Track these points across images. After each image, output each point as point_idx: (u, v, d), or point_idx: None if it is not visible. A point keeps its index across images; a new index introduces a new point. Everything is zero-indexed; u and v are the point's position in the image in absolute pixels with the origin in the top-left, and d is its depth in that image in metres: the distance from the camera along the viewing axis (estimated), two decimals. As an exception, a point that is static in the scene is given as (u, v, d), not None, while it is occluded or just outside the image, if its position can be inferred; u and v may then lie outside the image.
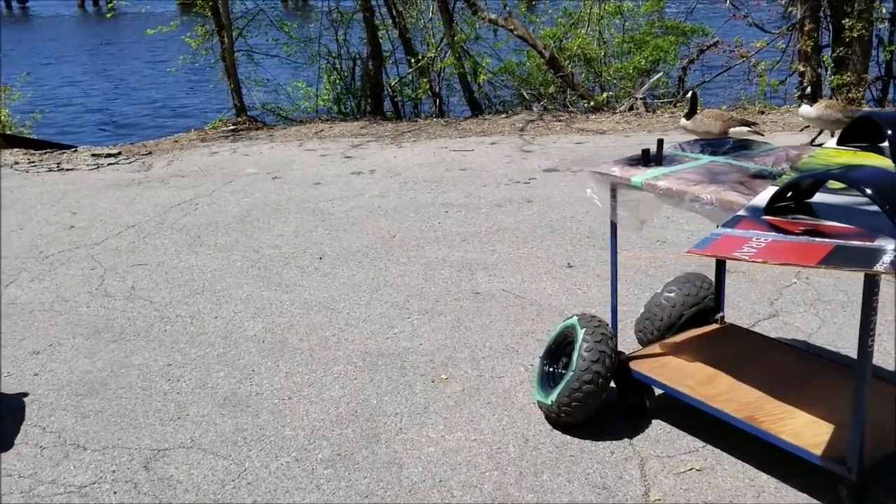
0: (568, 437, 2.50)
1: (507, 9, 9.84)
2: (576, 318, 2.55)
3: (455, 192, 5.39)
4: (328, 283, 3.92)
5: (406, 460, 2.45)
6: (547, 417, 2.57)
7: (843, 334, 3.09)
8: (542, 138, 7.23)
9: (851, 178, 1.73)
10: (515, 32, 9.58)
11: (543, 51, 9.39)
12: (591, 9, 9.80)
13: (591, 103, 8.95)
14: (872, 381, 2.39)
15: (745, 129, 5.84)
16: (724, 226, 1.78)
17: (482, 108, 9.89)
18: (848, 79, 8.29)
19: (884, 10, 8.60)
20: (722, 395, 2.36)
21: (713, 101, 9.01)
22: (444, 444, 2.52)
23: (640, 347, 2.80)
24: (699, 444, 2.44)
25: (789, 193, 1.89)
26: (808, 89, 6.40)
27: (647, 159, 2.39)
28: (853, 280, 3.54)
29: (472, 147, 6.96)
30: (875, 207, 1.84)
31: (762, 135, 6.20)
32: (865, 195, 1.68)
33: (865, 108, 6.54)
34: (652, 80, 9.32)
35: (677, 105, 8.83)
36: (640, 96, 8.87)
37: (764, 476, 2.27)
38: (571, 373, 2.43)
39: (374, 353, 3.16)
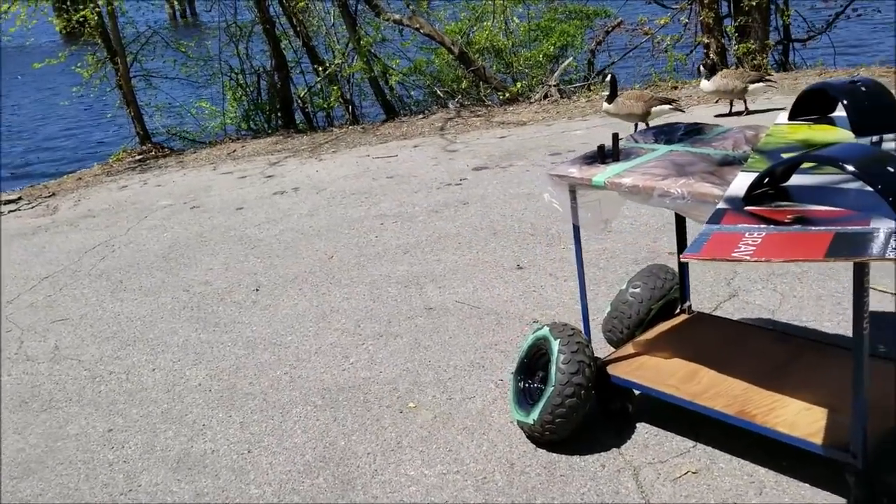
0: (554, 455, 2.37)
1: (411, 7, 9.68)
2: (547, 328, 2.42)
3: (387, 203, 5.21)
4: (269, 316, 3.70)
5: (388, 505, 2.28)
6: (529, 437, 2.44)
7: (806, 307, 3.06)
8: (465, 136, 7.11)
9: (834, 158, 1.64)
10: (422, 31, 9.44)
11: (452, 47, 9.28)
12: (494, 0, 9.74)
13: (507, 95, 8.89)
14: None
15: (667, 106, 5.85)
16: (709, 222, 1.67)
17: (397, 111, 9.71)
18: (752, 46, 8.46)
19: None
20: (708, 392, 2.27)
21: (625, 81, 9.05)
22: (425, 481, 2.35)
23: (611, 348, 2.70)
24: (689, 443, 2.35)
25: (766, 179, 1.80)
26: (707, 62, 6.47)
27: (603, 156, 2.28)
28: (803, 250, 3.53)
29: (395, 152, 6.78)
30: (854, 185, 1.76)
31: (683, 111, 6.24)
32: (854, 175, 1.60)
33: (762, 73, 6.65)
34: (563, 66, 9.32)
35: (591, 88, 8.86)
36: (554, 83, 8.86)
37: (762, 470, 2.19)
38: (552, 388, 2.29)
39: (332, 388, 2.96)
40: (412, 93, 10.40)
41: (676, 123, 2.53)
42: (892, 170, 1.56)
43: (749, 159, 2.04)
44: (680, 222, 2.66)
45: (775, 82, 6.61)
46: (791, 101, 2.40)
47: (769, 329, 2.73)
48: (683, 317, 2.73)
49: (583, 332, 2.45)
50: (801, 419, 2.09)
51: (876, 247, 1.41)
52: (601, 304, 3.30)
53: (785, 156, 2.01)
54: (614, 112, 5.82)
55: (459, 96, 9.45)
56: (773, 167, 1.76)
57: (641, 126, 5.93)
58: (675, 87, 7.94)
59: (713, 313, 3.01)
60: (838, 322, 2.91)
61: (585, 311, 2.51)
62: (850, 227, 1.51)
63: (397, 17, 9.53)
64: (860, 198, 1.68)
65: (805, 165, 1.89)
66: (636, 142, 2.43)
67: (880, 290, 3.09)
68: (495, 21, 9.93)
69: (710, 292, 3.28)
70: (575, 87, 9.01)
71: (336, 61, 9.50)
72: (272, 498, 2.37)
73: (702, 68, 6.38)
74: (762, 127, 2.36)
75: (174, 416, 2.92)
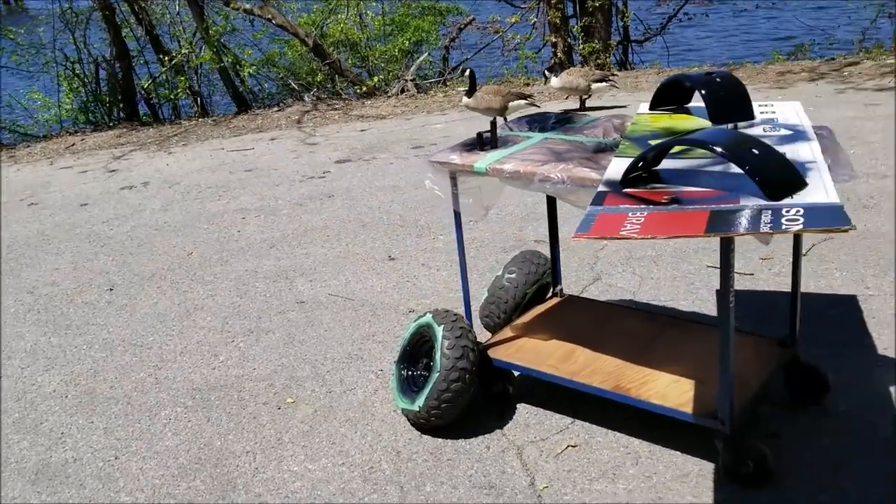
0: (440, 440, 2.39)
1: (260, -4, 9.42)
2: (430, 315, 2.43)
3: (248, 196, 5.05)
4: (127, 316, 3.49)
5: (274, 502, 2.20)
6: (414, 424, 2.44)
7: (663, 287, 3.25)
8: (324, 129, 7.01)
9: (705, 141, 1.75)
10: (274, 21, 9.21)
11: (306, 39, 9.12)
12: (348, -8, 9.66)
13: (364, 89, 8.84)
14: (718, 333, 2.52)
15: (523, 101, 6.02)
16: (593, 204, 1.73)
17: (249, 104, 9.43)
18: (596, 46, 8.87)
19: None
20: (585, 370, 2.36)
21: (479, 78, 9.22)
22: (310, 475, 2.30)
23: (488, 333, 2.75)
24: (568, 420, 2.43)
25: (640, 164, 1.89)
26: (553, 63, 6.73)
27: (482, 143, 2.31)
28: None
29: (251, 145, 6.59)
30: (718, 167, 1.89)
31: (538, 106, 6.45)
32: (723, 157, 1.71)
33: (606, 73, 6.98)
34: (418, 61, 9.40)
35: (447, 84, 8.98)
36: (410, 78, 8.91)
37: (637, 442, 2.30)
38: (437, 373, 2.31)
39: (202, 388, 2.83)
40: (265, 85, 10.13)
41: (547, 113, 2.61)
42: (757, 152, 1.68)
43: (620, 146, 2.13)
44: (552, 209, 2.74)
45: (617, 83, 6.95)
46: (632, 98, 2.54)
47: (635, 309, 2.88)
48: (556, 300, 2.82)
49: (465, 317, 2.48)
50: (671, 391, 2.22)
51: (751, 222, 1.51)
52: (475, 291, 3.36)
53: (652, 142, 2.12)
54: (473, 106, 5.93)
55: (315, 89, 9.30)
56: (647, 152, 1.85)
57: (500, 120, 6.08)
58: (528, 84, 8.19)
59: (581, 296, 3.13)
60: (692, 301, 3.11)
61: (467, 297, 2.54)
62: (722, 206, 1.62)
63: (247, 6, 9.24)
64: (726, 179, 1.80)
65: (674, 150, 2.00)
66: (511, 130, 2.48)
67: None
68: (349, 14, 9.86)
69: (576, 276, 3.41)
70: (431, 83, 9.11)
71: (183, 51, 9.09)
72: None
73: (546, 72, 6.61)
74: (627, 116, 2.48)
75: (28, 425, 2.69)
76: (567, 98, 7.04)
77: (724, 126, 2.14)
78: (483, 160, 2.20)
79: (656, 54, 10.30)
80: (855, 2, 9.83)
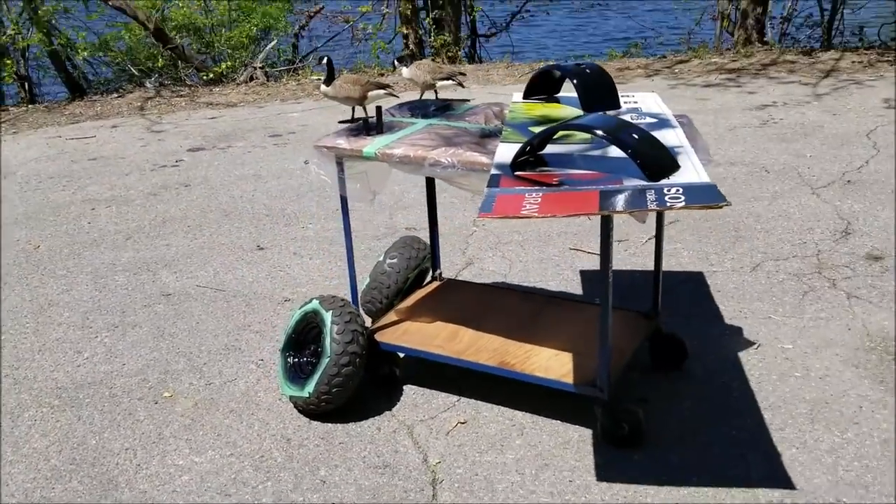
0: (330, 425, 2.40)
1: (96, -25, 8.85)
2: (316, 301, 2.43)
3: (96, 186, 4.77)
4: (-29, 315, 3.22)
5: (161, 498, 2.13)
6: (303, 411, 2.43)
7: (531, 270, 3.40)
8: (171, 116, 6.72)
9: (590, 127, 1.87)
10: (111, 3, 8.68)
11: (146, 22, 8.67)
12: (190, -24, 9.26)
13: (210, 76, 8.53)
14: (590, 308, 2.69)
15: (382, 91, 6.04)
16: (489, 186, 1.81)
17: (84, 90, 8.86)
18: (447, 39, 9.05)
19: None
20: (470, 349, 2.45)
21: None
22: (198, 468, 2.24)
23: (371, 318, 2.79)
24: (454, 398, 2.51)
25: (528, 148, 1.99)
26: (404, 52, 6.79)
27: (368, 128, 2.34)
28: (523, 222, 3.91)
29: (91, 133, 6.21)
30: (597, 152, 2.03)
31: (397, 96, 6.48)
32: (607, 141, 1.84)
33: (454, 70, 7.15)
34: (267, 48, 9.18)
35: (299, 72, 8.84)
36: (259, 65, 8.69)
37: (520, 414, 2.42)
38: (327, 359, 2.31)
39: (68, 386, 2.68)
40: (101, 70, 9.54)
41: (426, 100, 2.66)
42: (636, 136, 1.82)
43: (503, 132, 2.23)
44: (431, 196, 2.81)
45: (464, 81, 7.06)
46: (485, 90, 2.65)
47: (511, 289, 3.00)
48: (436, 284, 2.90)
49: (352, 302, 2.50)
50: (553, 364, 2.35)
51: (638, 200, 1.64)
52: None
53: (532, 129, 2.24)
54: (332, 95, 5.86)
55: (156, 75, 8.87)
56: (534, 137, 1.95)
57: (359, 110, 6.08)
58: (382, 74, 8.23)
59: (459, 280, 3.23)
60: (559, 282, 3.29)
61: (353, 282, 2.55)
62: (609, 186, 1.74)
63: (80, -15, 8.66)
64: (606, 162, 1.93)
65: (555, 136, 2.12)
66: (393, 116, 2.52)
67: (586, 252, 3.54)
68: (192, -2, 9.46)
69: (449, 261, 3.50)
70: (280, 71, 8.93)
71: (8, 32, 8.38)
72: (18, 512, 2.10)
73: (396, 62, 6.64)
74: (504, 104, 2.58)
75: None
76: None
77: (600, 113, 2.28)
78: (372, 145, 2.22)
79: (502, 50, 10.63)
80: (679, 4, 10.61)
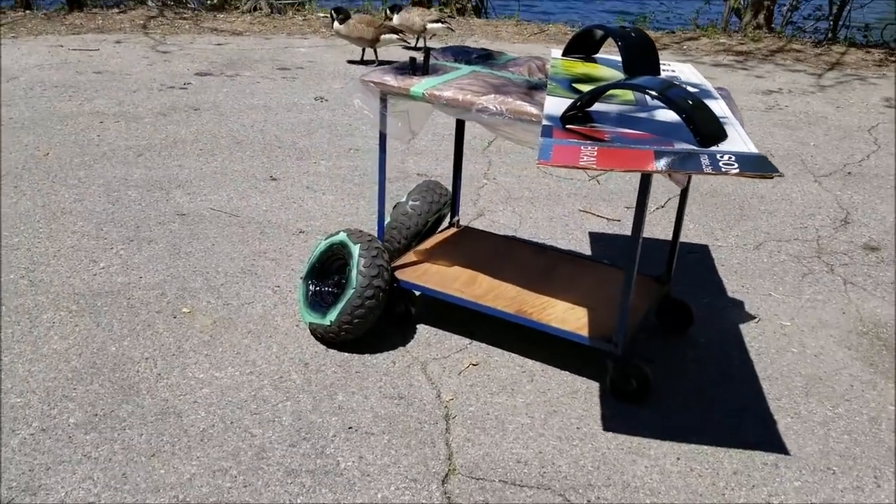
0: (346, 354, 2.46)
1: None
2: (344, 234, 2.47)
3: (103, 100, 4.72)
4: (-19, 214, 3.21)
5: (182, 407, 2.19)
6: (322, 339, 2.49)
7: (541, 227, 3.47)
8: (175, 38, 6.62)
9: (648, 87, 1.92)
10: (117, -86, 8.44)
11: (153, -62, 8.45)
12: None
13: (214, 1, 8.38)
14: (603, 267, 2.77)
15: (395, 36, 6.02)
16: (543, 136, 1.86)
17: (81, 2, 8.64)
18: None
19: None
20: (489, 294, 2.52)
21: (338, 2, 9.03)
22: (218, 382, 2.30)
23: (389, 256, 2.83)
24: (466, 341, 2.59)
25: (578, 103, 2.03)
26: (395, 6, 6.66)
27: (415, 68, 2.36)
28: (532, 179, 3.97)
29: (95, 46, 6.10)
30: (643, 114, 2.08)
31: (407, 42, 6.47)
32: (665, 104, 1.89)
33: (443, 14, 7.01)
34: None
35: (305, 7, 8.70)
36: (268, -3, 8.54)
37: (530, 362, 2.50)
38: (352, 290, 2.37)
39: (85, 293, 2.70)
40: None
41: (467, 47, 2.69)
42: (690, 102, 1.88)
43: (548, 85, 2.27)
44: (459, 143, 2.85)
45: (452, 25, 6.96)
46: (495, 46, 2.66)
47: (526, 242, 3.07)
48: (454, 230, 2.95)
49: (377, 238, 2.54)
50: (569, 316, 2.43)
51: (693, 163, 1.70)
52: (363, 217, 3.42)
53: (576, 85, 2.28)
54: (345, 34, 5.86)
55: (158, -6, 8.68)
56: (588, 93, 1.99)
57: (369, 51, 6.05)
58: (389, 19, 8.13)
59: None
60: (569, 241, 3.36)
61: (381, 218, 2.59)
62: (663, 147, 1.80)
63: None
64: (654, 124, 1.99)
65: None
66: (436, 59, 2.54)
67: (595, 215, 3.61)
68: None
69: (462, 211, 3.55)
70: (284, 4, 8.78)
71: (9, -69, 8.12)
72: (41, 406, 2.14)
73: (389, 10, 6.51)
74: (546, 58, 2.61)
75: None
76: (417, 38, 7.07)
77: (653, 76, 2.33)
78: (420, 85, 2.25)
79: (511, 9, 10.55)
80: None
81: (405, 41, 6.19)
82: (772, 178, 1.65)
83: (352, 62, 6.08)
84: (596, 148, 1.78)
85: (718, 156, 1.73)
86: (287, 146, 4.18)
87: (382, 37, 5.90)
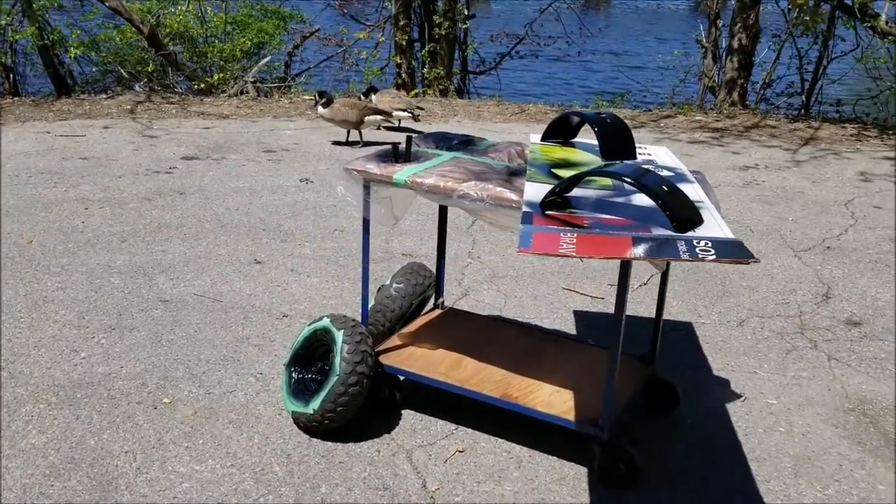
0: (330, 443, 2.42)
1: (96, -24, 8.85)
2: (327, 319, 2.47)
3: (88, 186, 4.75)
4: (-38, 304, 3.18)
5: (163, 503, 2.13)
6: (305, 427, 2.45)
7: (526, 306, 3.48)
8: (162, 122, 6.72)
9: (622, 174, 1.96)
10: (107, 3, 8.68)
11: (142, 26, 8.68)
12: (189, -15, 9.30)
13: (201, 85, 8.54)
14: (588, 347, 2.77)
15: (379, 117, 6.14)
16: (523, 223, 1.88)
17: (70, 88, 8.80)
18: (440, 72, 9.19)
19: (466, 11, 9.69)
20: (474, 378, 2.50)
21: (322, 86, 9.24)
22: (198, 476, 2.25)
23: (372, 340, 2.82)
24: (452, 427, 2.56)
25: (557, 189, 2.07)
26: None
27: (397, 156, 2.40)
28: (517, 258, 4.00)
29: (82, 132, 6.18)
30: (621, 199, 2.11)
31: (394, 123, 6.60)
32: (640, 190, 1.93)
33: (413, 102, 6.98)
34: (260, 64, 9.23)
35: (291, 90, 8.89)
36: (251, 80, 8.73)
37: (517, 447, 2.47)
38: (335, 377, 2.35)
39: (65, 384, 2.66)
40: (88, 69, 9.50)
41: (448, 133, 2.74)
42: (665, 188, 1.91)
43: (528, 171, 2.31)
44: (442, 226, 2.88)
45: (421, 113, 6.88)
46: (476, 125, 2.72)
47: (512, 323, 3.07)
48: (438, 312, 2.95)
49: (361, 323, 2.54)
50: (555, 399, 2.41)
51: (670, 250, 1.72)
52: (347, 298, 3.42)
53: (555, 171, 2.32)
54: (329, 116, 5.97)
55: (146, 79, 8.86)
56: (567, 179, 2.03)
57: (354, 132, 6.15)
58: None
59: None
60: (554, 319, 3.36)
61: (365, 303, 2.59)
62: (640, 233, 1.83)
63: (79, -16, 8.65)
64: (632, 210, 2.02)
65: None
66: (418, 146, 2.59)
67: (579, 293, 3.62)
68: (189, 6, 9.50)
69: (446, 291, 3.55)
70: (271, 87, 8.97)
71: (0, 22, 8.32)
72: (15, 507, 2.09)
73: (362, 96, 6.48)
74: (525, 144, 2.67)
75: None
76: (418, 118, 7.21)
77: (621, 161, 2.38)
78: (402, 172, 2.28)
79: (491, 90, 10.82)
80: (666, 63, 10.92)
81: (390, 122, 6.30)
82: (748, 263, 1.67)
83: (337, 143, 6.17)
84: (575, 235, 1.80)
85: (695, 241, 1.76)
86: (272, 229, 4.20)
87: (366, 118, 6.01)
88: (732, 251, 1.71)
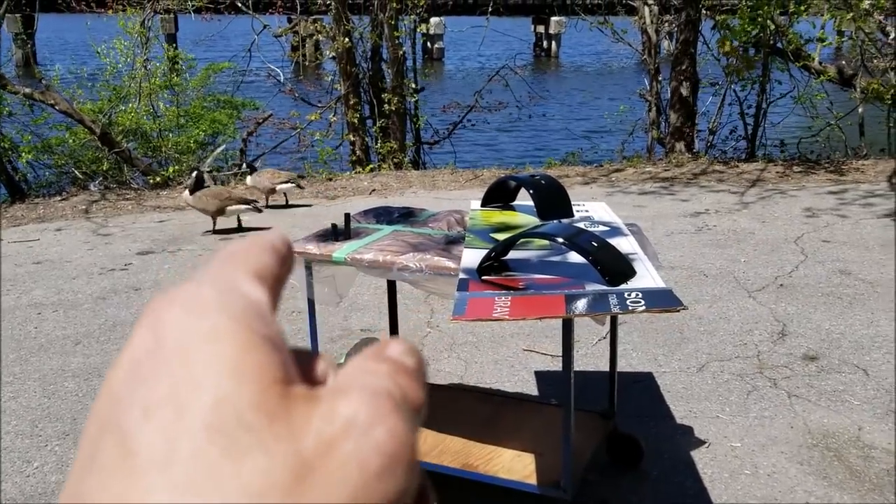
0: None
1: (44, 82, 8.94)
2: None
3: (41, 290, 4.70)
4: None
5: None
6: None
7: (486, 371, 3.47)
8: (117, 219, 6.71)
9: (552, 235, 2.00)
10: (57, 108, 8.75)
11: (94, 126, 8.74)
12: (139, 83, 9.41)
13: (157, 179, 8.57)
14: (548, 408, 2.76)
15: (244, 206, 6.07)
16: (459, 290, 1.90)
17: (24, 192, 8.78)
18: (393, 146, 9.34)
19: (413, 86, 9.90)
20: (434, 451, 2.48)
21: (287, 166, 9.32)
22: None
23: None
24: (417, 502, 2.51)
25: (493, 254, 2.10)
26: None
27: (336, 234, 2.42)
28: (475, 323, 4.00)
29: (35, 236, 6.14)
30: (556, 257, 2.15)
31: (260, 210, 6.40)
32: (570, 248, 1.96)
33: (292, 174, 6.94)
34: (215, 153, 9.30)
35: (243, 176, 8.93)
36: (207, 169, 8.77)
37: (484, 516, 2.43)
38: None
39: (17, 498, 2.58)
40: (43, 172, 9.50)
41: (389, 207, 2.78)
42: (595, 244, 1.95)
43: (466, 237, 2.34)
44: (392, 299, 2.89)
45: (302, 182, 7.20)
46: (431, 195, 2.78)
47: (471, 390, 3.06)
48: (396, 386, 2.93)
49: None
50: (515, 465, 2.39)
51: (601, 304, 1.75)
52: (307, 381, 3.38)
53: (493, 235, 2.36)
54: (192, 204, 5.99)
55: (101, 178, 8.87)
56: (501, 243, 2.06)
57: (220, 220, 6.00)
58: (330, 179, 8.40)
59: (413, 383, 3.26)
60: (515, 382, 3.36)
61: (317, 384, 2.57)
62: (573, 290, 1.85)
63: (27, 90, 8.73)
64: (566, 267, 2.05)
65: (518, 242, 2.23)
66: (359, 222, 2.62)
67: (539, 353, 3.63)
68: (140, 104, 9.60)
69: (405, 364, 3.54)
70: (228, 175, 9.02)
71: (-50, 133, 8.33)
72: None
73: (240, 175, 6.64)
74: (464, 211, 2.71)
75: None
76: (371, 193, 7.30)
77: (556, 221, 2.42)
78: (341, 250, 2.30)
79: (444, 158, 11.01)
80: (613, 119, 11.22)
81: (257, 209, 6.23)
82: (678, 311, 1.70)
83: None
84: (510, 298, 1.82)
85: (626, 294, 1.79)
86: (228, 317, 4.18)
87: (228, 208, 6.00)
88: (662, 300, 1.73)
